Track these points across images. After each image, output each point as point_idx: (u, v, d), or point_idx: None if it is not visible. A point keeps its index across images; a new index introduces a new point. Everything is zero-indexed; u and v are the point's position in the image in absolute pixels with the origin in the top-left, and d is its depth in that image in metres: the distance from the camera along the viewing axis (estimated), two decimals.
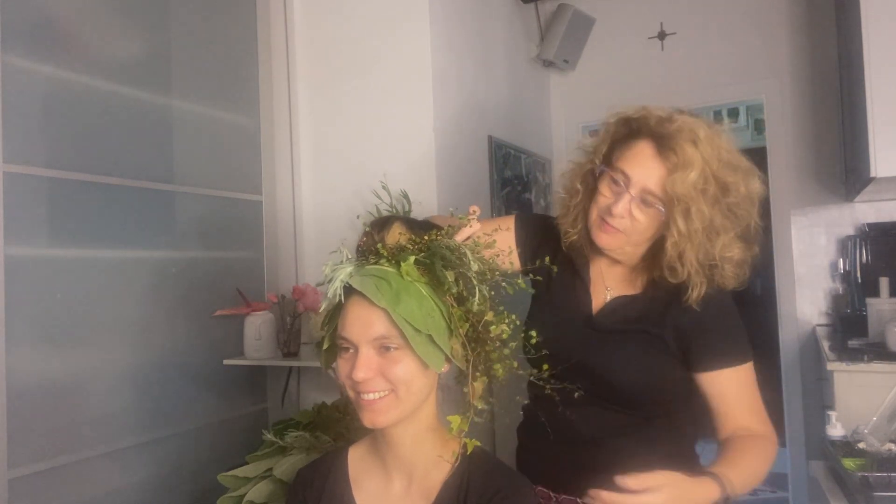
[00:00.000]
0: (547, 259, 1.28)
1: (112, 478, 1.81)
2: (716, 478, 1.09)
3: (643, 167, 1.19)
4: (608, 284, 1.34)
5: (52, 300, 1.69)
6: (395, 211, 2.02)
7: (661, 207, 1.18)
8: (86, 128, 1.80)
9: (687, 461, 1.28)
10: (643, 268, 1.31)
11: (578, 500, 1.28)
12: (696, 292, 1.21)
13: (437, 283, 1.04)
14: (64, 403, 1.70)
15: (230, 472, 1.57)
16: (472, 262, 1.05)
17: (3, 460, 1.55)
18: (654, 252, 1.26)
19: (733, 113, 4.70)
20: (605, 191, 1.23)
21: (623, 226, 1.21)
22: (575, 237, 1.32)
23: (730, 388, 1.23)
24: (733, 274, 1.21)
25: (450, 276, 1.03)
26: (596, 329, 1.31)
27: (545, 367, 1.19)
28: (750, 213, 1.21)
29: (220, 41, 2.28)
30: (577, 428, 1.30)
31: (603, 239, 1.24)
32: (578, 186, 1.30)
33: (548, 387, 1.20)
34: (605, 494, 1.02)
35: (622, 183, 1.20)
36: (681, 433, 1.33)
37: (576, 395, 1.24)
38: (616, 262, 1.32)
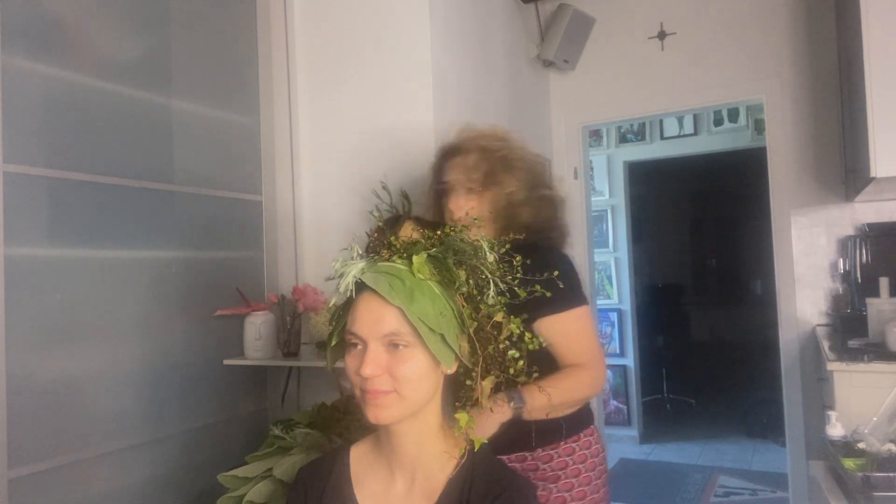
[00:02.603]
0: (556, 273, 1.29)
1: (112, 478, 1.81)
2: (510, 395, 1.29)
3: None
4: None
5: (52, 300, 1.69)
6: (395, 211, 2.02)
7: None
8: (86, 128, 1.80)
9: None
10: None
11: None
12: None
13: (447, 282, 1.04)
14: (64, 403, 1.70)
15: (230, 472, 1.57)
16: (487, 253, 1.05)
17: (3, 460, 1.55)
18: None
19: (733, 113, 4.69)
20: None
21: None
22: None
23: (552, 334, 1.43)
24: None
25: (461, 273, 1.03)
26: None
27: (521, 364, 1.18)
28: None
29: (220, 41, 2.27)
30: None
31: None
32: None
33: (539, 385, 1.21)
34: None
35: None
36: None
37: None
38: None
